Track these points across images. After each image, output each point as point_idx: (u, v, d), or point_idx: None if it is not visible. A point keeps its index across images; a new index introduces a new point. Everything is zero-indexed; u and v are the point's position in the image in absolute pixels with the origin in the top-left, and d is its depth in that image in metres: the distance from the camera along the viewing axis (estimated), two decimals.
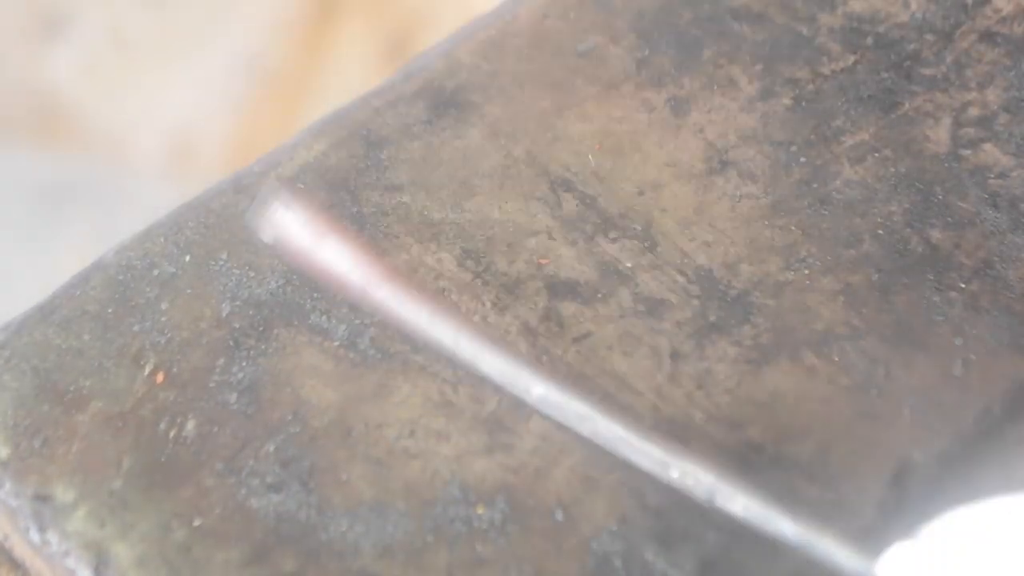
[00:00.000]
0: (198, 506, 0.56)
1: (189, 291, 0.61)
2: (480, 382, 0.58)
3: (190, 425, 0.58)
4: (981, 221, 0.62)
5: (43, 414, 0.59)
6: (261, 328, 0.60)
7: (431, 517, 0.55)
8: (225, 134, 1.61)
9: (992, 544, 0.51)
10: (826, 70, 0.68)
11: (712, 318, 0.60)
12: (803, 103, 0.67)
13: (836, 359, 0.59)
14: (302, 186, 0.64)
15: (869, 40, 0.69)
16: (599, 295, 0.61)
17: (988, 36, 0.68)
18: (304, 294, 0.61)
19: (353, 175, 0.65)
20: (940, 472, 0.56)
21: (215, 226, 0.63)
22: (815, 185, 0.64)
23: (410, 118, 0.67)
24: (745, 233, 0.62)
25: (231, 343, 0.60)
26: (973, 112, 0.66)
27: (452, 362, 0.58)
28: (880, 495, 0.55)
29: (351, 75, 1.61)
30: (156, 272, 0.62)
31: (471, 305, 0.61)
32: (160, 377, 0.59)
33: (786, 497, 0.55)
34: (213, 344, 0.60)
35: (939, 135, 0.65)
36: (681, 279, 0.61)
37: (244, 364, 0.59)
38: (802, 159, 0.65)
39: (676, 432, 0.57)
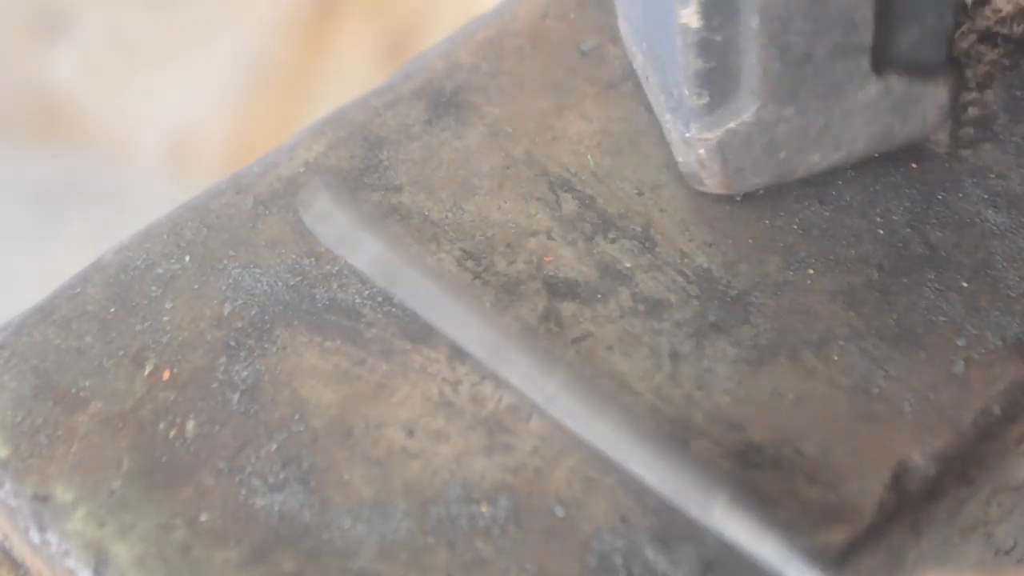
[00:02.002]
0: (198, 506, 0.56)
1: (190, 291, 0.62)
2: (482, 379, 0.58)
3: (190, 425, 0.58)
4: (981, 221, 0.62)
5: (43, 414, 0.59)
6: (262, 328, 0.60)
7: (433, 517, 0.55)
8: (225, 134, 1.61)
9: None
10: None
11: (712, 318, 0.60)
12: None
13: (836, 359, 0.59)
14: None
15: None
16: (598, 295, 0.61)
17: (988, 37, 0.68)
18: (304, 294, 0.61)
19: (353, 175, 0.65)
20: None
21: (216, 226, 0.64)
22: (814, 185, 0.64)
23: (410, 118, 0.67)
24: (745, 233, 0.62)
25: (232, 343, 0.60)
26: (973, 112, 0.66)
27: (458, 360, 0.58)
28: (880, 495, 0.55)
29: (351, 75, 1.61)
30: (157, 272, 0.62)
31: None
32: (166, 375, 0.59)
33: (786, 498, 0.55)
34: (214, 344, 0.60)
35: (939, 135, 0.65)
36: (680, 279, 0.61)
37: (245, 364, 0.59)
38: None
39: (676, 433, 0.57)
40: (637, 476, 0.55)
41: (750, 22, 0.55)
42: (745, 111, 0.58)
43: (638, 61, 0.64)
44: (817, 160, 0.61)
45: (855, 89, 0.58)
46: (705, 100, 0.58)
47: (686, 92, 0.59)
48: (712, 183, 0.61)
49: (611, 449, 0.55)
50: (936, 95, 0.60)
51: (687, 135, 0.60)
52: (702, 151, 0.60)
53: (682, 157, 0.61)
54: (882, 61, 0.58)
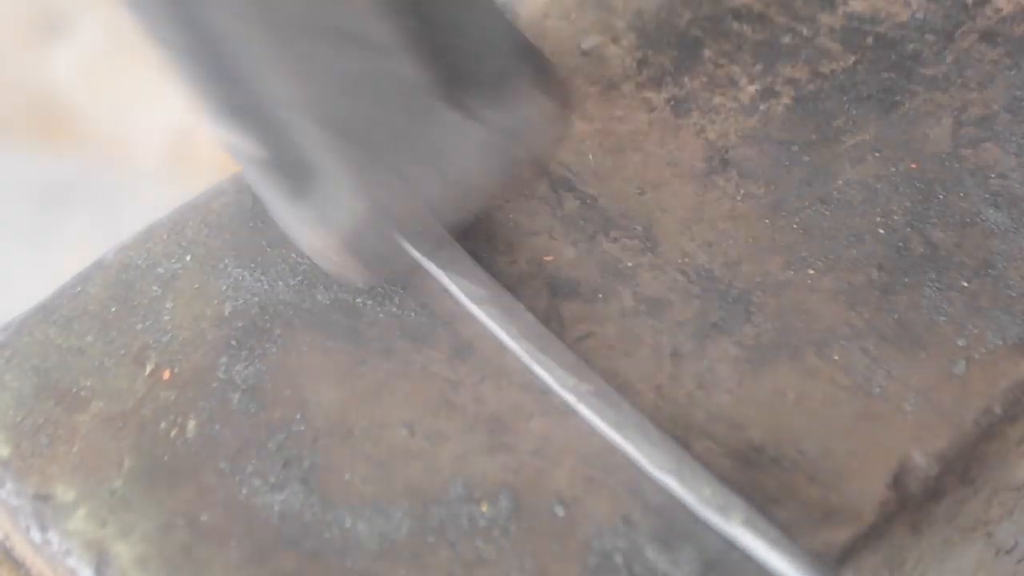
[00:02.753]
0: (199, 506, 0.56)
1: (191, 291, 0.62)
2: (483, 379, 0.58)
3: (191, 425, 0.58)
4: (982, 220, 0.62)
5: (44, 414, 0.59)
6: (263, 328, 0.60)
7: (433, 516, 0.55)
8: None
9: None
10: (826, 70, 0.68)
11: (713, 318, 0.60)
12: (803, 103, 0.67)
13: (837, 359, 0.59)
14: None
15: (869, 40, 0.69)
16: (600, 295, 0.61)
17: (989, 36, 0.68)
18: (305, 294, 0.61)
19: None
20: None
21: (216, 226, 0.64)
22: (816, 185, 0.64)
23: None
24: (746, 233, 0.62)
25: (233, 342, 0.60)
26: (974, 112, 0.66)
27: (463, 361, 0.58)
28: (880, 495, 0.55)
29: None
30: (158, 271, 0.62)
31: None
32: (167, 374, 0.59)
33: (786, 498, 0.55)
34: (215, 343, 0.60)
35: (940, 135, 0.65)
36: (682, 279, 0.61)
37: (246, 364, 0.59)
38: (803, 159, 0.65)
39: (677, 432, 0.57)
40: (657, 481, 0.55)
41: (307, 129, 0.50)
42: (348, 204, 0.53)
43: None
44: (456, 212, 0.57)
45: (453, 137, 0.53)
46: (308, 211, 0.54)
47: (283, 208, 0.54)
48: (363, 277, 0.58)
49: (634, 452, 0.55)
50: (544, 109, 0.54)
51: (309, 245, 0.56)
52: (333, 256, 0.56)
53: (320, 264, 0.58)
54: (466, 99, 0.53)
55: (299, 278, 0.62)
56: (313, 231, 0.54)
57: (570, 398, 0.57)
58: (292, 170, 0.52)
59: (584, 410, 0.56)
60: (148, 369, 0.60)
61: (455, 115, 0.52)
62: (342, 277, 0.58)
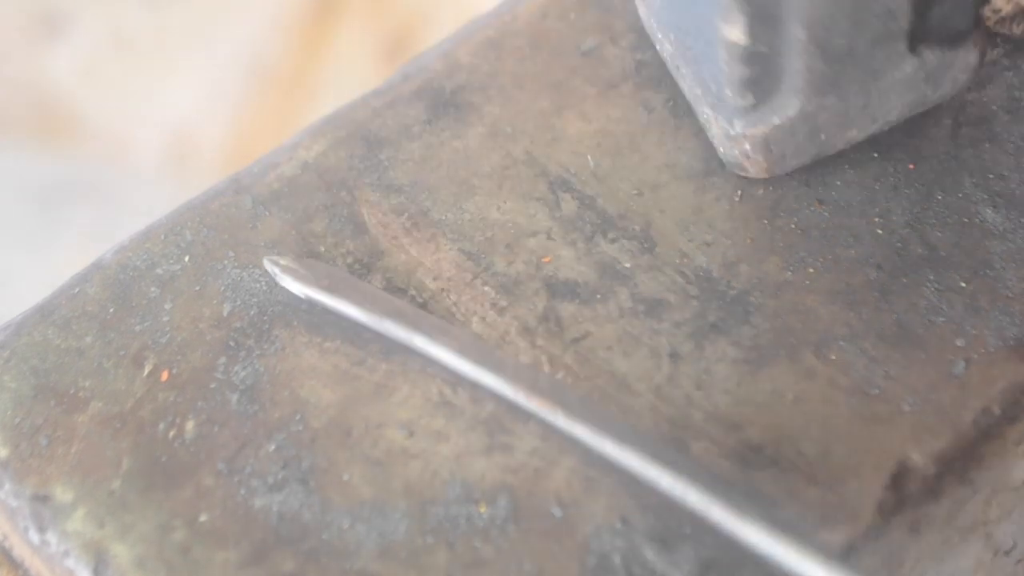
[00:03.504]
0: (198, 506, 0.56)
1: (189, 291, 0.62)
2: (478, 385, 0.58)
3: (190, 425, 0.58)
4: (980, 221, 0.62)
5: (43, 414, 0.59)
6: (261, 328, 0.60)
7: (432, 517, 0.55)
8: (225, 134, 1.61)
9: None
10: None
11: (711, 318, 0.60)
12: None
13: (835, 359, 0.59)
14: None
15: None
16: (598, 296, 0.61)
17: (987, 36, 0.68)
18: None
19: (352, 175, 0.65)
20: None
21: (215, 226, 0.64)
22: (814, 185, 0.64)
23: (409, 118, 0.67)
24: (744, 233, 0.62)
25: (231, 343, 0.60)
26: (972, 112, 0.66)
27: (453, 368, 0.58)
28: (880, 495, 0.55)
29: (351, 75, 1.61)
30: (156, 272, 0.62)
31: (470, 306, 0.61)
32: (165, 375, 0.59)
33: (786, 498, 0.55)
34: (213, 344, 0.60)
35: (939, 135, 0.65)
36: (680, 279, 0.61)
37: (244, 364, 0.59)
38: None
39: (675, 433, 0.57)
40: (651, 485, 0.54)
41: (795, 32, 0.57)
42: (789, 107, 0.60)
43: (665, 49, 0.65)
44: (855, 135, 0.62)
45: (892, 69, 0.60)
46: (749, 101, 0.60)
47: (729, 93, 0.60)
48: (755, 171, 0.63)
49: (626, 460, 0.55)
50: (966, 58, 0.61)
51: (732, 132, 0.61)
52: (747, 146, 0.61)
53: (724, 149, 0.63)
54: (916, 39, 0.60)
55: None
56: (740, 122, 0.61)
57: (548, 417, 0.56)
58: (756, 61, 0.58)
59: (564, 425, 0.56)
60: (147, 370, 0.60)
61: (902, 46, 0.59)
62: (743, 171, 0.63)
